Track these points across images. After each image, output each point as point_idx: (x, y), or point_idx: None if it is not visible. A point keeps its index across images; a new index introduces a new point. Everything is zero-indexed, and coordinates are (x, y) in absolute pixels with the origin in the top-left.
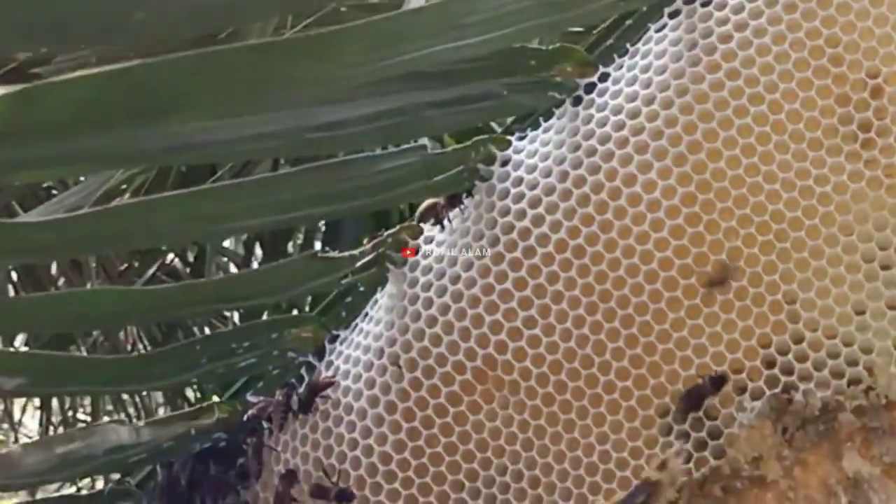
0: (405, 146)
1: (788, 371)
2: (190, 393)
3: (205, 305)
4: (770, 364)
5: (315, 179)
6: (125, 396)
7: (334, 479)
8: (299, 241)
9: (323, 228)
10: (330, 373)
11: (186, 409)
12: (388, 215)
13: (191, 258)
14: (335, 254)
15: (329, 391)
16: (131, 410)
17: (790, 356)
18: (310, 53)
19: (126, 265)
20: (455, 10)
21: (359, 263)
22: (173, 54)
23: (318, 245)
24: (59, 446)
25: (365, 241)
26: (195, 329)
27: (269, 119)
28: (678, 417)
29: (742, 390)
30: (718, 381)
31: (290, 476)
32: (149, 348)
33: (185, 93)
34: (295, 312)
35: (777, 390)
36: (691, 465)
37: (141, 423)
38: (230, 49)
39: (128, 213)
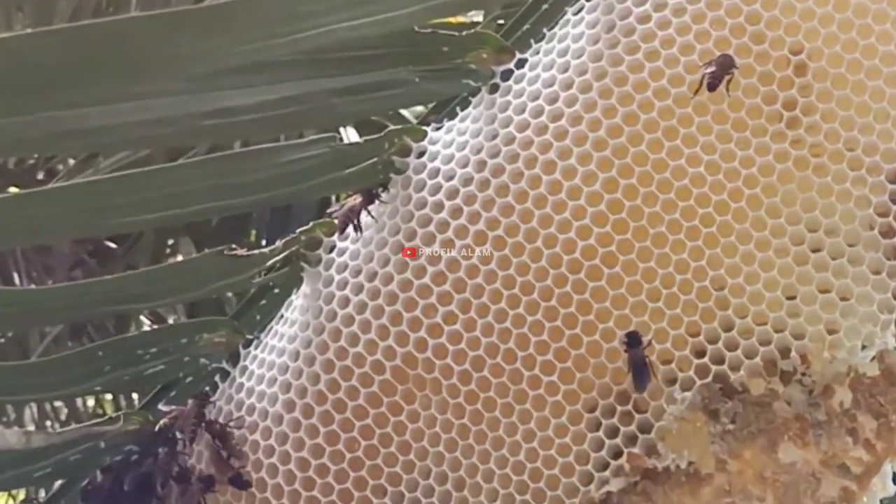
0: (314, 136)
1: (719, 360)
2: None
3: (97, 307)
4: (700, 353)
5: (215, 170)
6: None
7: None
8: None
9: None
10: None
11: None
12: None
13: None
14: (243, 252)
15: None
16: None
17: (720, 344)
18: (194, 28)
19: None
20: None
21: (270, 262)
22: (34, 30)
23: None
24: None
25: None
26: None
27: (161, 104)
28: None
29: (672, 381)
30: (632, 336)
31: (208, 481)
32: None
33: (53, 73)
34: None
35: (708, 380)
36: (622, 461)
37: (33, 430)
38: (103, 23)
39: (3, 207)
